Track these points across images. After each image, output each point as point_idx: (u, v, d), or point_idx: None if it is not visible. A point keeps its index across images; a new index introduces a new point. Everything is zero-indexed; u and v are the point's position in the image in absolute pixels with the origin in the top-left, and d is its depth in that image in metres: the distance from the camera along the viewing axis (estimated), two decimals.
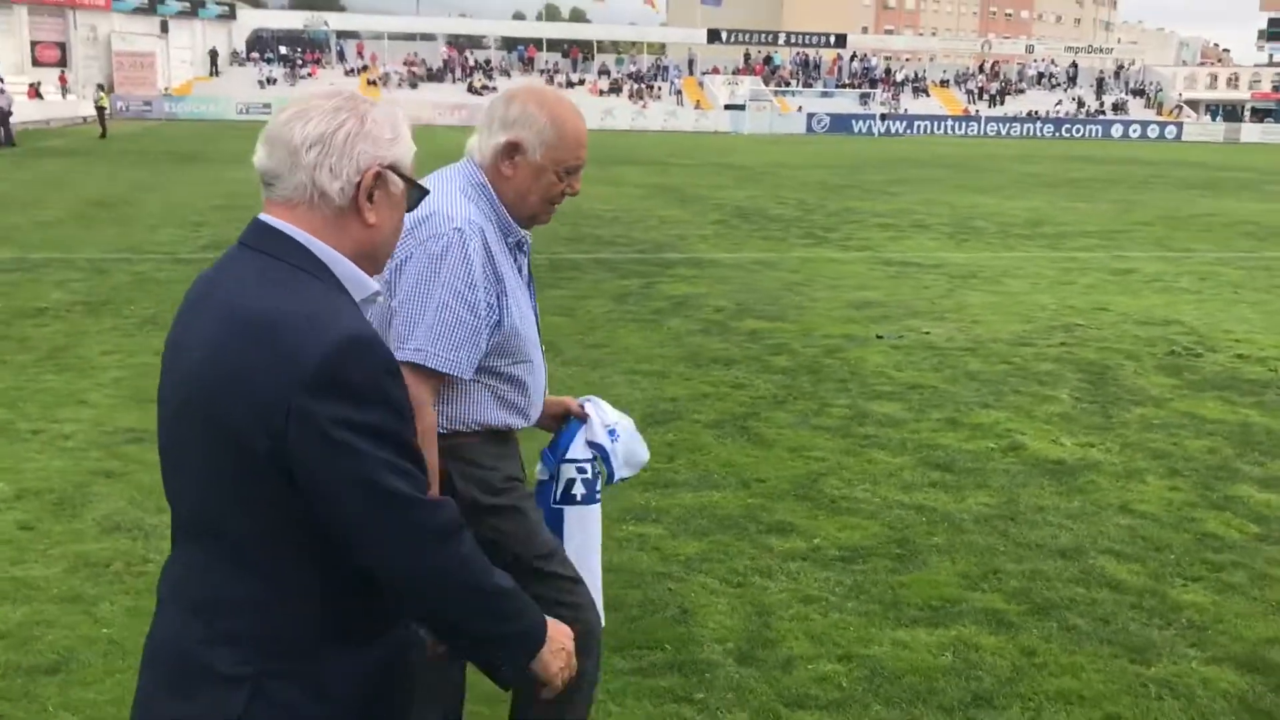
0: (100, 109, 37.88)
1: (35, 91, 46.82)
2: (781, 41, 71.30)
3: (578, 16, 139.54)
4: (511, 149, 2.54)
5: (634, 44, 70.37)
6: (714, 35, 69.68)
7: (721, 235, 16.03)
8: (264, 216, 1.77)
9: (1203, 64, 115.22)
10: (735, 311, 10.26)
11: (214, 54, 61.77)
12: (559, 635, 1.92)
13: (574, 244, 14.54)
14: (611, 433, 2.88)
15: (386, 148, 1.78)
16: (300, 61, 64.13)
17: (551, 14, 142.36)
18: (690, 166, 30.99)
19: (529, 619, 1.87)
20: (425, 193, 1.89)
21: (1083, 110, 70.34)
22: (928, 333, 9.54)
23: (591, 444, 2.86)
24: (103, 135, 37.10)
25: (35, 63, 52.90)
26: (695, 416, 6.84)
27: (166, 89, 57.77)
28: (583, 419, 2.88)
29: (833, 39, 71.70)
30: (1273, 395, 7.75)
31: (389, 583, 1.74)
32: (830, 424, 6.78)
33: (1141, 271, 13.48)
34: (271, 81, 61.66)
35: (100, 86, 39.99)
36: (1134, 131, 67.72)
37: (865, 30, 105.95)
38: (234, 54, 63.74)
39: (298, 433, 1.61)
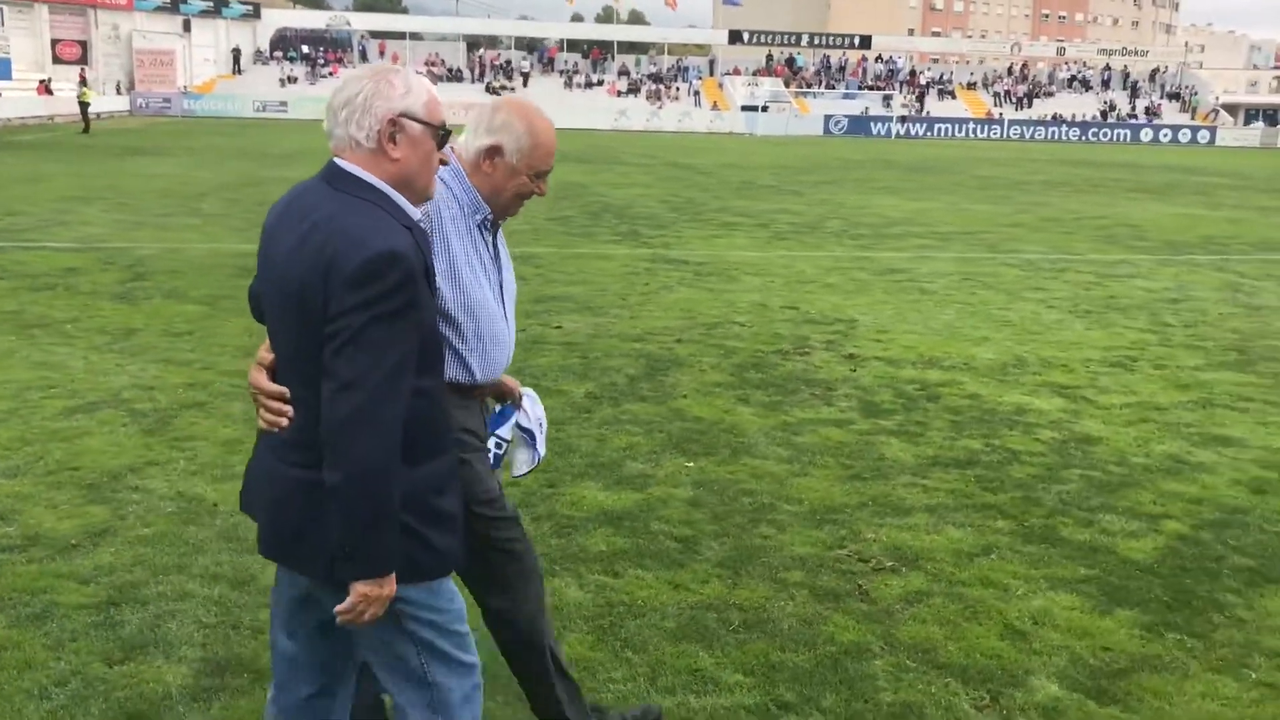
0: (83, 104, 38.71)
1: (46, 88, 48.05)
2: (805, 42, 70.62)
3: (636, 19, 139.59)
4: (493, 151, 2.94)
5: (653, 45, 70.10)
6: (735, 36, 69.27)
7: (539, 230, 15.97)
8: (335, 159, 2.43)
9: (1277, 68, 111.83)
10: None
11: (237, 52, 62.96)
12: (384, 585, 2.36)
13: None
14: (540, 425, 3.27)
15: (399, 101, 2.39)
16: (322, 61, 65.12)
17: (609, 16, 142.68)
18: (637, 166, 30.82)
19: (386, 550, 2.33)
20: (447, 132, 2.49)
21: (1114, 114, 68.65)
22: (559, 327, 9.38)
23: (521, 428, 3.24)
24: (85, 130, 37.98)
25: (56, 60, 54.37)
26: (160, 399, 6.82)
27: (186, 87, 59.00)
28: (518, 406, 3.24)
29: (857, 40, 70.84)
30: (806, 395, 7.49)
31: (328, 428, 2.27)
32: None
33: (911, 272, 13.13)
34: (293, 80, 62.72)
35: (83, 81, 40.79)
36: (1164, 136, 65.97)
37: (911, 32, 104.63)
38: (258, 52, 64.91)
39: (332, 308, 2.26)
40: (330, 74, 63.98)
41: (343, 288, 2.25)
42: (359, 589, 2.33)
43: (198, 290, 10.41)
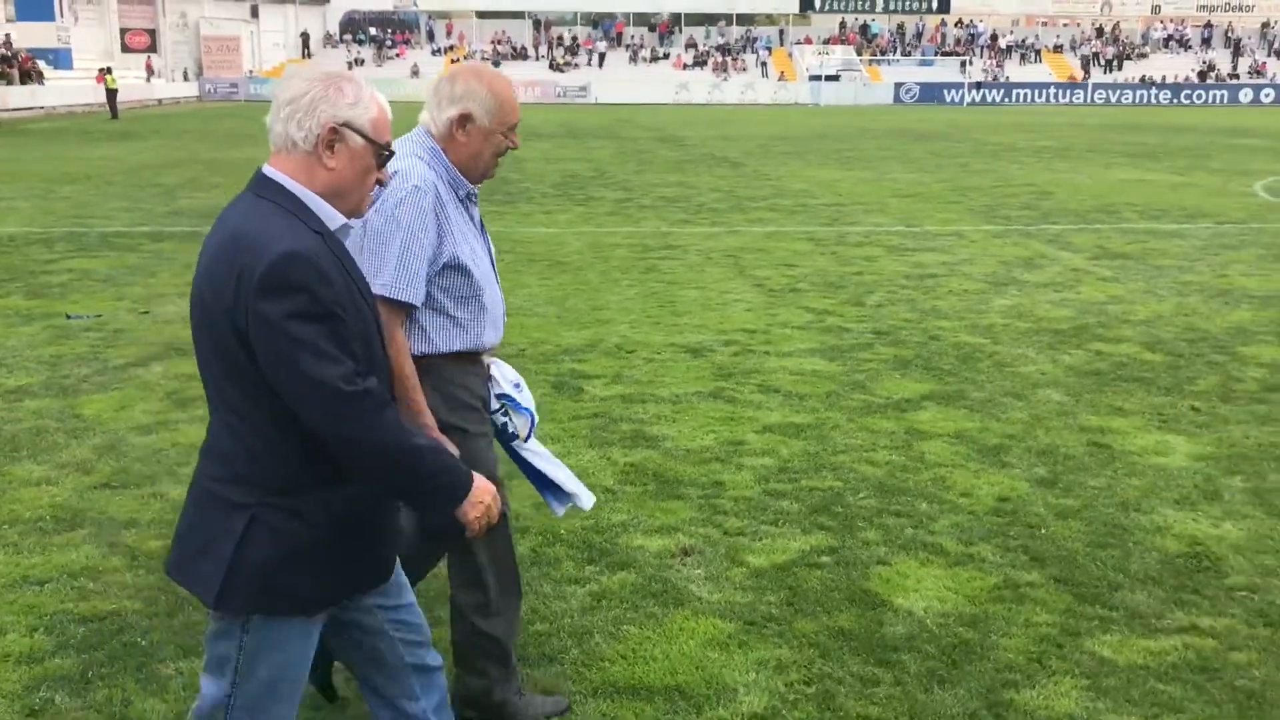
0: (110, 91, 39.71)
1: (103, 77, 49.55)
2: (879, 9, 68.26)
3: None
4: (464, 119, 3.04)
5: (722, 16, 68.59)
6: (807, 3, 67.41)
7: None
8: (264, 166, 2.33)
9: None
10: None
11: (305, 36, 64.05)
12: (480, 490, 2.38)
13: (178, 216, 14.37)
14: (516, 385, 3.33)
15: (345, 110, 2.28)
16: (390, 42, 65.78)
17: None
18: (619, 139, 30.09)
19: (451, 475, 2.36)
20: (389, 152, 2.37)
21: (1213, 75, 64.53)
22: (146, 312, 8.94)
23: (499, 396, 3.28)
24: (113, 116, 39.02)
25: (125, 49, 56.18)
26: None
27: (251, 71, 60.31)
28: (488, 378, 3.28)
29: (935, 4, 68.15)
30: None
31: (324, 442, 2.23)
32: None
33: (683, 249, 12.27)
34: (359, 62, 63.41)
35: (108, 70, 41.82)
36: (1266, 96, 61.83)
37: None
38: (327, 36, 65.92)
39: (251, 323, 2.16)
40: (397, 55, 64.71)
41: (254, 297, 2.15)
42: (465, 517, 2.38)
43: None
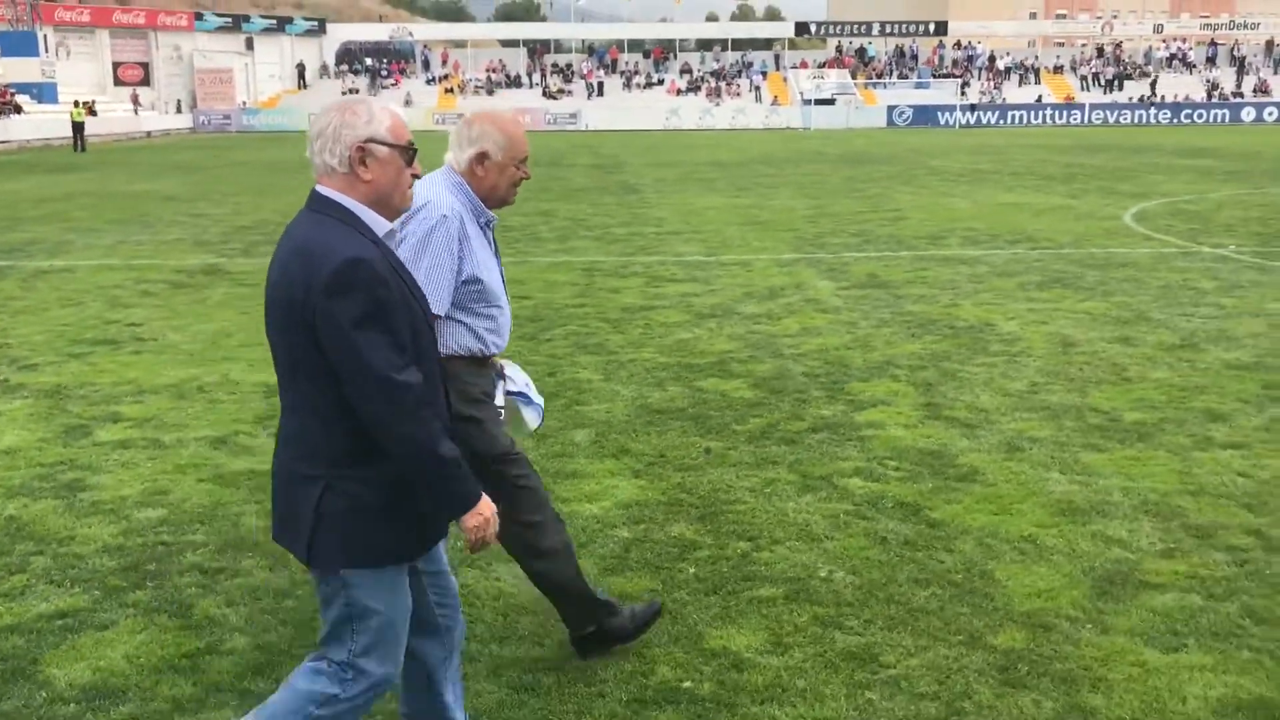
0: (77, 124, 40.28)
1: (90, 109, 50.39)
2: (876, 31, 67.93)
3: (773, 15, 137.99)
4: (481, 157, 3.55)
5: (718, 42, 68.62)
6: (802, 28, 67.29)
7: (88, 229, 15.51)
8: (316, 186, 2.72)
9: None
10: None
11: (301, 67, 64.82)
12: (483, 506, 2.75)
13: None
14: (527, 384, 3.86)
15: (363, 129, 2.68)
16: (385, 72, 66.38)
17: (745, 14, 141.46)
18: (553, 167, 30.01)
19: (462, 486, 2.71)
20: (414, 150, 2.76)
21: (1217, 93, 63.48)
22: None
23: (511, 393, 3.77)
24: (78, 149, 39.58)
25: (118, 82, 57.15)
26: None
27: (244, 103, 61.06)
28: (501, 376, 3.75)
29: (932, 26, 67.69)
30: None
31: (368, 426, 2.60)
32: None
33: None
34: (354, 91, 63.98)
35: (76, 103, 42.44)
36: (1269, 115, 60.65)
37: (1033, 16, 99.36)
38: (323, 67, 66.67)
39: (318, 321, 2.53)
40: (393, 84, 65.30)
41: (321, 297, 2.50)
42: (464, 524, 2.71)
43: None
